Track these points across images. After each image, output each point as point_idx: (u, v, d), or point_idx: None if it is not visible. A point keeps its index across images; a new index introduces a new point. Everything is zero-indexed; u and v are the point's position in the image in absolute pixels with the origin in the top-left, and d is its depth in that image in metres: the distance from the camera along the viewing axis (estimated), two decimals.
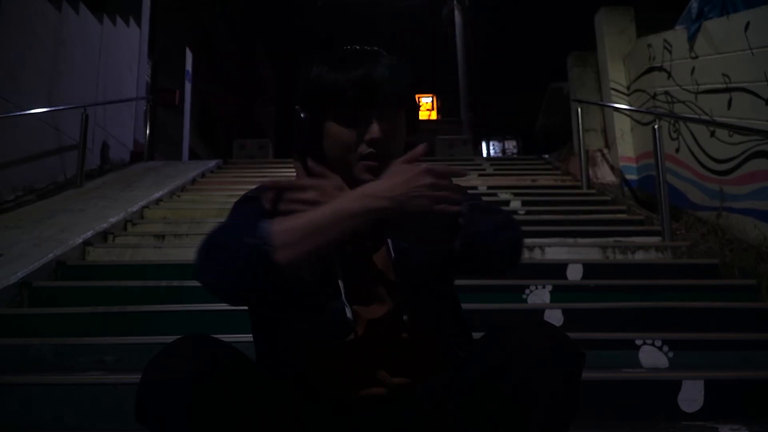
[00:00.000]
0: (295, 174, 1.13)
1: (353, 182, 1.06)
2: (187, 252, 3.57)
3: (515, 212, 4.53)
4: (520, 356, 0.85)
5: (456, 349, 1.05)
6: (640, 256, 3.55)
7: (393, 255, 1.08)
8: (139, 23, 8.11)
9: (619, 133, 5.87)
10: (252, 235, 0.90)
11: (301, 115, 1.08)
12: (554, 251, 3.57)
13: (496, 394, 0.86)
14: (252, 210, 1.04)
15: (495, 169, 6.51)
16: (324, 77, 1.06)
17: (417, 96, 1.17)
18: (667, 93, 4.91)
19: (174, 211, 4.64)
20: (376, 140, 1.04)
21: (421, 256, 1.06)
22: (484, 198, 1.04)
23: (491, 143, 19.21)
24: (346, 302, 1.04)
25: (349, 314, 1.03)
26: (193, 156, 10.96)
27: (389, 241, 1.09)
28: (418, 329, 1.05)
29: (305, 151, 1.10)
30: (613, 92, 5.95)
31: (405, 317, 1.05)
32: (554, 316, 2.58)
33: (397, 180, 0.93)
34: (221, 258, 0.91)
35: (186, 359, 0.85)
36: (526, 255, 3.55)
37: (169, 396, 0.83)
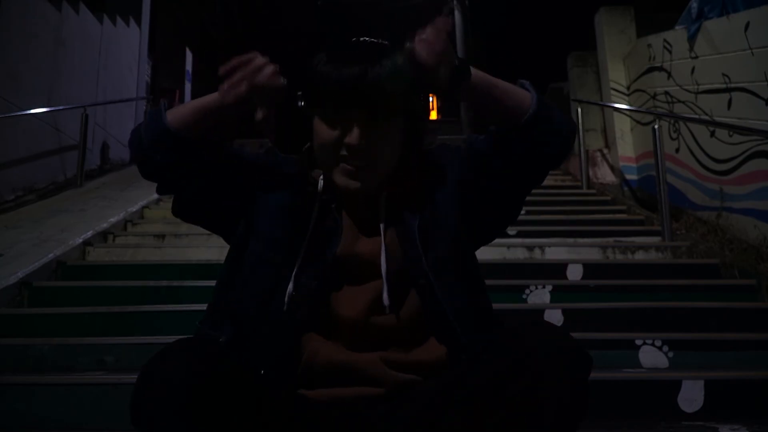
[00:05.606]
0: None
1: (332, 183, 1.05)
2: (187, 252, 3.57)
3: None
4: (529, 360, 0.85)
5: (457, 350, 1.02)
6: (640, 256, 3.55)
7: (401, 241, 1.05)
8: (139, 23, 8.11)
9: (619, 133, 5.87)
10: (153, 112, 1.06)
11: (300, 103, 1.05)
12: (554, 251, 3.57)
13: (504, 397, 0.86)
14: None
15: None
16: (319, 69, 1.01)
17: (427, 98, 1.09)
18: (667, 93, 4.91)
19: None
20: (355, 146, 0.99)
21: (443, 248, 1.04)
22: None
23: None
24: (293, 278, 1.01)
25: (290, 289, 1.01)
26: None
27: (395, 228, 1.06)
28: (410, 323, 1.03)
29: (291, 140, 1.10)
30: (613, 92, 5.95)
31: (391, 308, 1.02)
32: (554, 316, 2.58)
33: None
34: (139, 139, 1.06)
35: (180, 363, 0.84)
36: (526, 255, 3.55)
37: (164, 399, 0.82)
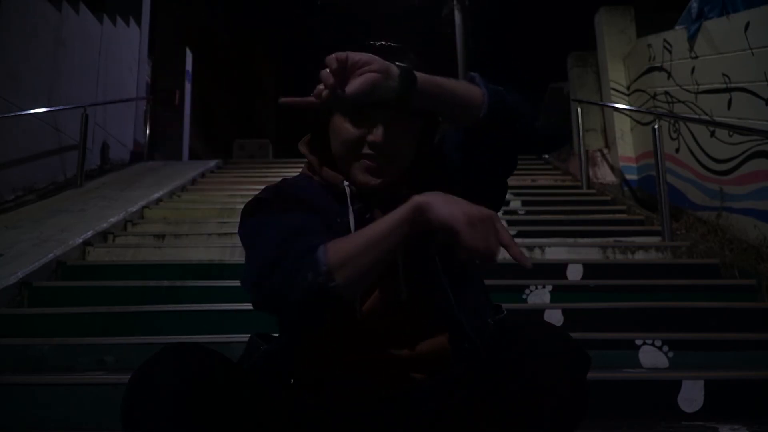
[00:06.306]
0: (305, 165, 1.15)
1: (350, 179, 1.07)
2: (187, 252, 3.57)
3: (515, 212, 4.53)
4: (528, 360, 0.85)
5: (466, 342, 1.02)
6: (640, 256, 3.55)
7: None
8: (139, 23, 8.11)
9: (619, 133, 5.87)
10: (309, 267, 0.89)
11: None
12: (554, 251, 3.57)
13: (503, 397, 0.86)
14: (282, 219, 1.01)
15: None
16: None
17: None
18: (667, 93, 4.91)
19: (174, 211, 4.63)
20: (378, 144, 1.03)
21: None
22: None
23: None
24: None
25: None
26: (193, 156, 10.95)
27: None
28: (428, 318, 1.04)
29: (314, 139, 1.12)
30: (613, 92, 5.95)
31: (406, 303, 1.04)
32: (554, 316, 2.58)
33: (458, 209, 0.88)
34: (279, 291, 0.92)
35: (172, 367, 0.84)
36: (526, 254, 3.54)
37: (163, 400, 0.82)
